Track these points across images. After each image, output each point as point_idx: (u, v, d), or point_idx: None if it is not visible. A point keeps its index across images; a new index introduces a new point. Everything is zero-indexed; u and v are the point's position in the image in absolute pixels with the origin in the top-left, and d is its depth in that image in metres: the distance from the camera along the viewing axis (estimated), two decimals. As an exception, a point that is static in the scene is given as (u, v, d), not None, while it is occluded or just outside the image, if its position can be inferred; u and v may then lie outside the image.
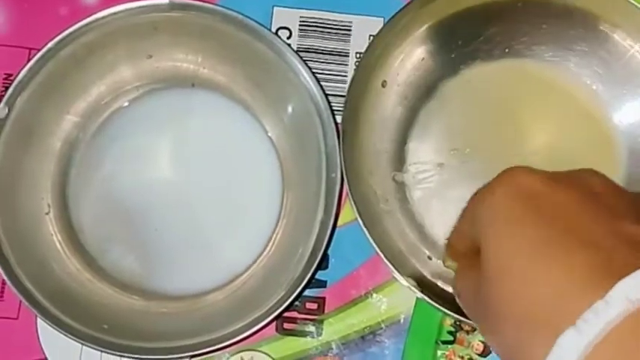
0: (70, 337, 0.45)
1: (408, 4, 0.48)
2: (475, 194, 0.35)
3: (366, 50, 0.47)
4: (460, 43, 0.50)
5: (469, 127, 0.50)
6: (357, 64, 0.52)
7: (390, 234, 0.48)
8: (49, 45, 0.46)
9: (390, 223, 0.49)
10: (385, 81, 0.50)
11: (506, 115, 0.51)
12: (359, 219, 0.45)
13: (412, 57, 0.50)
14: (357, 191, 0.46)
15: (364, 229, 0.45)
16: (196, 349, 0.45)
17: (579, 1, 0.49)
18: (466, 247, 0.38)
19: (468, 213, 0.36)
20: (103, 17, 0.47)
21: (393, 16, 0.47)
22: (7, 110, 0.46)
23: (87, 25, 0.47)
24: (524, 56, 0.51)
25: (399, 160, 0.50)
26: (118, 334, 0.46)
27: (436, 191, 0.50)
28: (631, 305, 0.26)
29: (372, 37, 0.52)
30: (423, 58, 0.50)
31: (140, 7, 0.47)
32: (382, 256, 0.44)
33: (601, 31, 0.49)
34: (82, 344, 0.45)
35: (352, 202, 0.45)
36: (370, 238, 0.44)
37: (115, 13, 0.47)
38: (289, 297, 0.45)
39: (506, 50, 0.51)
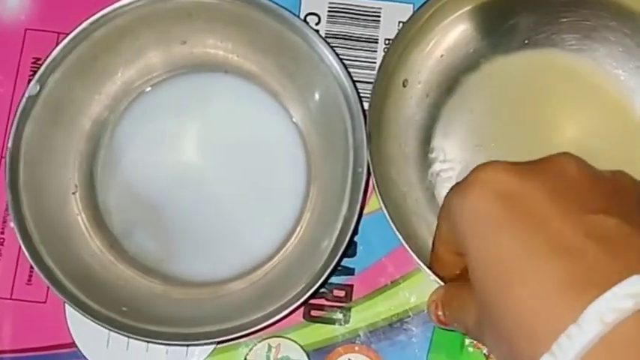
0: (86, 317, 0.44)
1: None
2: (449, 194, 0.35)
3: (390, 45, 0.46)
4: (479, 36, 0.50)
5: (493, 121, 0.50)
6: (384, 52, 0.51)
7: (417, 230, 0.48)
8: (83, 26, 0.46)
9: (417, 220, 0.48)
10: (406, 80, 0.49)
11: (530, 107, 0.50)
12: (387, 217, 0.44)
13: (432, 54, 0.50)
14: (384, 190, 0.45)
15: (392, 225, 0.44)
16: (219, 336, 0.45)
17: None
18: (451, 256, 0.38)
19: (444, 213, 0.36)
20: (137, 0, 0.46)
21: (418, 9, 0.47)
22: (38, 88, 0.46)
23: (121, 7, 0.46)
24: (546, 46, 0.50)
25: (425, 157, 0.50)
26: (137, 318, 0.45)
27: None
28: (606, 328, 0.27)
29: (400, 24, 0.52)
30: (442, 55, 0.50)
31: (174, -8, 0.47)
32: (409, 250, 0.44)
33: (626, 18, 0.49)
34: (98, 324, 0.44)
35: (379, 199, 0.44)
36: (398, 234, 0.44)
37: (148, -3, 0.47)
38: (309, 290, 0.44)
39: (526, 42, 0.50)
